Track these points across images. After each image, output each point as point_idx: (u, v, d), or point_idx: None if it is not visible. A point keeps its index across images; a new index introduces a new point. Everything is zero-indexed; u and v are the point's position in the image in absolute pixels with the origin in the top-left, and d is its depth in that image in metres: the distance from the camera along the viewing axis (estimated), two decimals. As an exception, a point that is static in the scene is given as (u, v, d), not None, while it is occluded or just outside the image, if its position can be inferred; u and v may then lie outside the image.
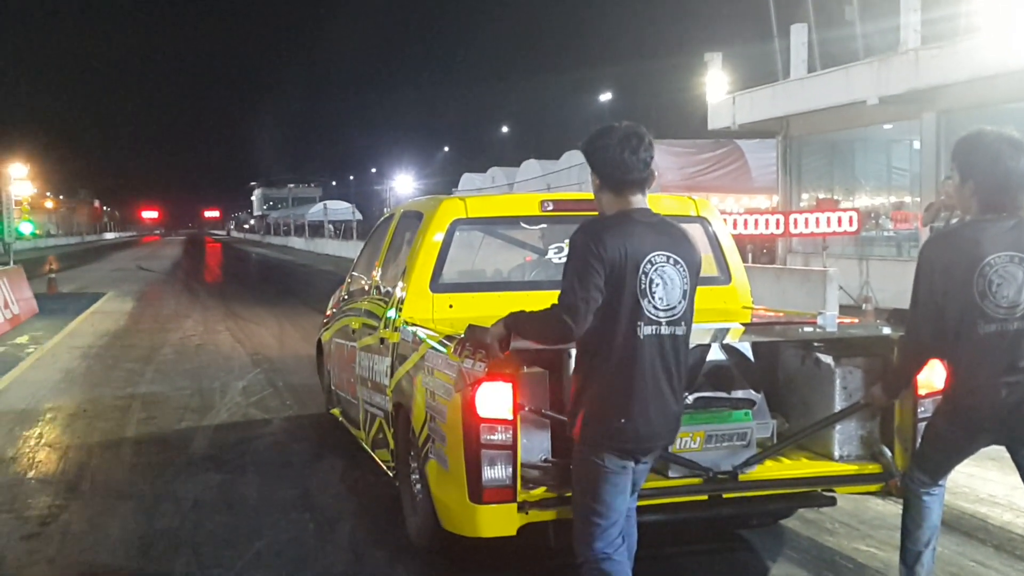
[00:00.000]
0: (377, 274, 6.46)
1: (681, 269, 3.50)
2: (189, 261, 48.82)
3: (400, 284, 5.67)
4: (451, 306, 5.45)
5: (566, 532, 4.02)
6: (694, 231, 5.23)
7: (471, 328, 4.02)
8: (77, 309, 19.02)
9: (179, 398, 9.71)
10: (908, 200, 19.29)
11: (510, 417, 4.02)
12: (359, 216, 60.67)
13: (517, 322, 3.67)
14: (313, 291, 22.90)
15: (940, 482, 4.15)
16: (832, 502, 4.82)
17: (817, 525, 5.47)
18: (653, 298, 3.43)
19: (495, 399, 4.01)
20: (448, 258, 5.56)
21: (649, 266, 3.43)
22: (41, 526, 5.70)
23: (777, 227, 15.73)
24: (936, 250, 3.90)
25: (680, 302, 3.50)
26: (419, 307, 5.43)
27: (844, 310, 12.88)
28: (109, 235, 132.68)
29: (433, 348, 4.68)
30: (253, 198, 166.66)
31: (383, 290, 6.15)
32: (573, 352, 4.16)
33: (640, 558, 3.76)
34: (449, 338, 4.54)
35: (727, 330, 4.73)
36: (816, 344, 4.86)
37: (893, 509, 5.30)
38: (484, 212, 5.86)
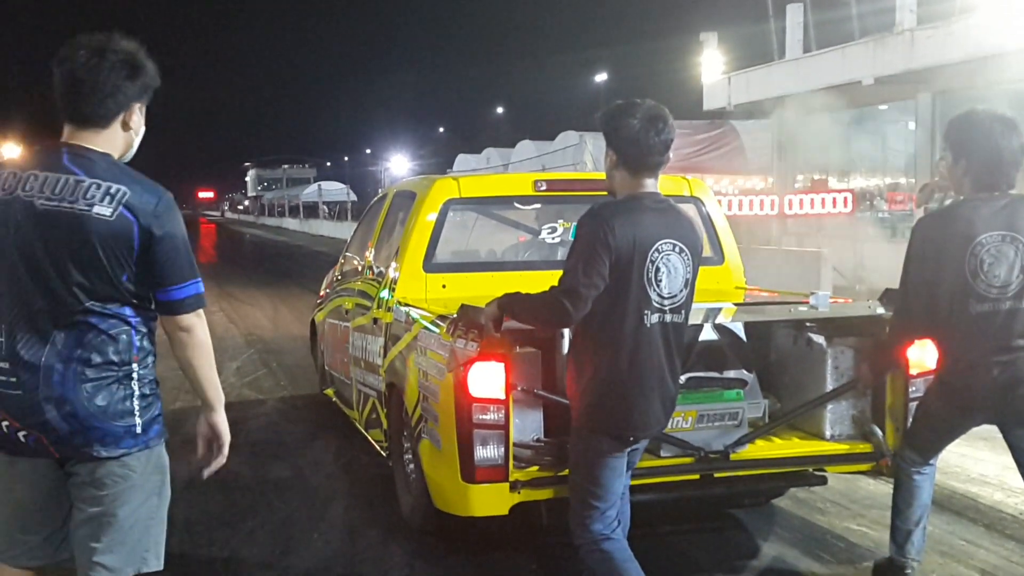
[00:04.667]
0: (370, 254, 6.45)
1: (685, 257, 3.47)
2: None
3: (393, 264, 5.66)
4: (444, 286, 5.45)
5: (559, 511, 4.04)
6: (687, 211, 5.23)
7: (464, 308, 4.01)
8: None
9: (173, 378, 9.51)
10: (903, 181, 19.29)
11: (502, 397, 4.02)
12: (354, 197, 60.34)
13: (512, 303, 3.62)
14: (307, 272, 22.85)
15: (931, 461, 4.17)
16: (823, 481, 4.83)
17: (808, 504, 5.49)
18: (659, 286, 3.41)
19: (487, 379, 4.01)
20: (441, 238, 5.55)
21: (656, 254, 3.40)
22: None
23: (772, 208, 15.72)
24: (928, 229, 3.89)
25: (682, 290, 3.47)
26: (412, 287, 5.42)
27: (838, 291, 12.87)
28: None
29: (426, 328, 4.68)
30: (247, 179, 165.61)
31: (376, 270, 6.14)
32: (567, 332, 4.17)
33: (632, 537, 3.77)
34: (442, 318, 4.53)
35: (720, 310, 4.73)
36: (808, 324, 4.86)
37: (884, 488, 5.32)
38: (477, 192, 5.84)
